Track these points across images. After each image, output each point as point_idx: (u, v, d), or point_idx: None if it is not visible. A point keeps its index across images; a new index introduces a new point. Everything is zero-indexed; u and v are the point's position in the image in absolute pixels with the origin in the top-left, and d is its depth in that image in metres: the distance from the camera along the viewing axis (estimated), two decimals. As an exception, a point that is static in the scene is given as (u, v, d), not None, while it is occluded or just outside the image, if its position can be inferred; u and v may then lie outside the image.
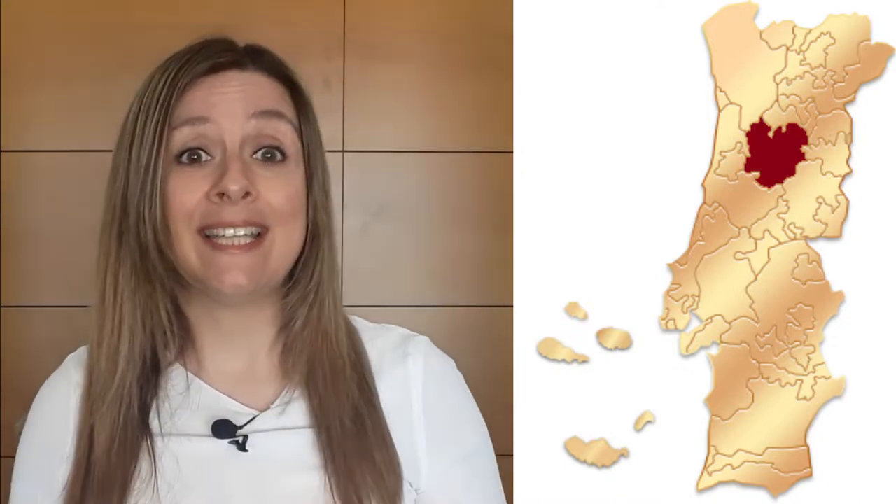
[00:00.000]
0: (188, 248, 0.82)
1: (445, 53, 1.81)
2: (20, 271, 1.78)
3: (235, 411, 0.86)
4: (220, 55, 0.85)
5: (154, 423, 0.84)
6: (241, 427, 0.85)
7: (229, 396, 0.87)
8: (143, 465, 0.83)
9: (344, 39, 1.80)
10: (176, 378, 0.86)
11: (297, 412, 0.87)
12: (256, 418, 0.86)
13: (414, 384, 0.90)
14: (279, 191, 0.83)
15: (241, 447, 0.84)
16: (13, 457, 0.89)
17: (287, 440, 0.86)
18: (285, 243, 0.84)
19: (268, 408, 0.87)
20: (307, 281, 0.87)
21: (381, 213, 1.79)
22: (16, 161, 1.77)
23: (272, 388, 0.88)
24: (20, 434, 0.90)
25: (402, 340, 0.93)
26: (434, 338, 0.96)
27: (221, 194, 0.81)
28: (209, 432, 0.85)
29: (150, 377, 0.85)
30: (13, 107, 1.76)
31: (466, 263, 1.83)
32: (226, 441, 0.84)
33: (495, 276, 1.78)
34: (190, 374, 0.87)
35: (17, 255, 1.77)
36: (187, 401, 0.86)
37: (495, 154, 1.80)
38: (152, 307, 0.85)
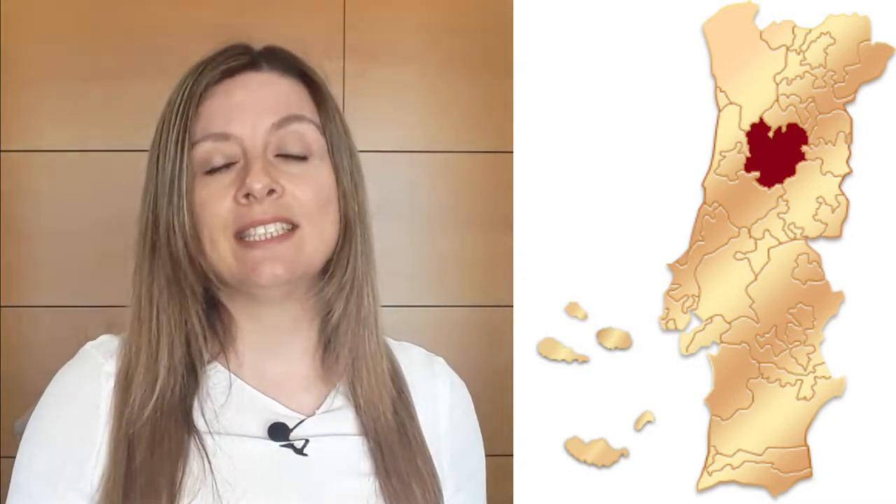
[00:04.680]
0: (225, 253, 0.82)
1: (445, 53, 1.81)
2: (20, 271, 1.78)
3: (283, 414, 0.86)
4: (233, 59, 0.86)
5: (199, 422, 0.83)
6: (292, 430, 0.85)
7: (273, 399, 0.87)
8: (194, 464, 0.81)
9: (344, 39, 1.80)
10: (216, 377, 0.86)
11: (343, 419, 0.88)
12: (304, 423, 0.86)
13: (442, 405, 0.93)
14: (305, 186, 0.83)
15: (299, 451, 0.84)
16: (13, 457, 0.89)
17: (339, 446, 0.86)
18: (318, 238, 0.84)
19: (313, 413, 0.87)
20: (342, 272, 0.87)
21: (381, 213, 1.79)
22: (16, 161, 1.77)
23: (312, 394, 0.89)
24: (20, 434, 0.89)
25: (428, 360, 0.96)
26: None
27: (248, 195, 0.81)
28: (263, 434, 0.84)
29: (189, 375, 0.85)
30: (13, 107, 1.76)
31: (466, 263, 1.83)
32: (278, 444, 0.84)
33: (495, 276, 1.78)
34: (232, 374, 0.86)
35: (17, 255, 1.77)
36: (231, 400, 0.85)
37: (495, 154, 1.80)
38: (186, 317, 0.85)
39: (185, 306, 0.85)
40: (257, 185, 0.81)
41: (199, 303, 0.85)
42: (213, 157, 0.83)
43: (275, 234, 0.82)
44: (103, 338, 0.90)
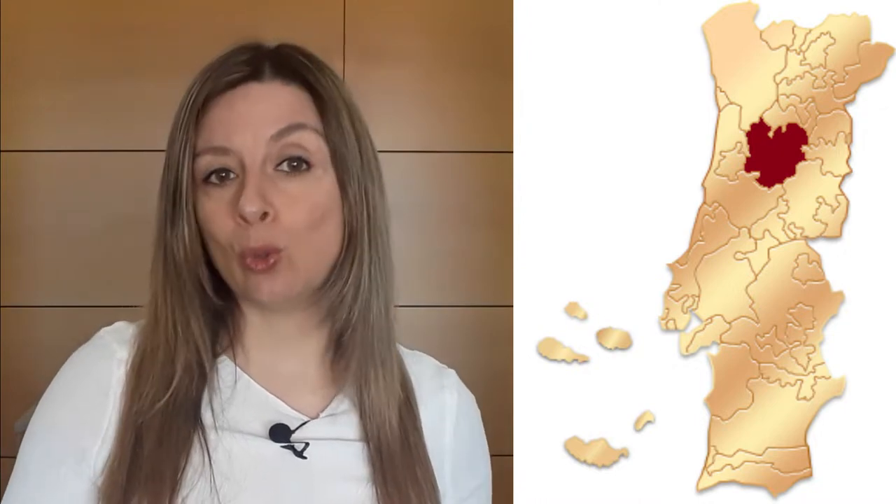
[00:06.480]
0: (233, 268, 0.83)
1: (445, 54, 1.82)
2: (20, 271, 1.78)
3: (286, 415, 0.87)
4: (237, 69, 0.85)
5: (206, 416, 0.84)
6: (293, 431, 0.85)
7: (278, 398, 0.87)
8: (195, 457, 0.82)
9: (344, 39, 1.80)
10: (224, 371, 0.87)
11: (347, 424, 0.88)
12: (306, 425, 0.86)
13: (448, 416, 0.94)
14: (299, 206, 0.83)
15: (299, 454, 0.85)
16: (13, 457, 0.89)
17: (339, 450, 0.87)
18: (309, 254, 0.84)
19: (317, 416, 0.87)
20: (343, 282, 0.86)
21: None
22: (16, 161, 1.78)
23: (321, 395, 0.89)
24: (20, 434, 0.90)
25: (438, 371, 0.97)
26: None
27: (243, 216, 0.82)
28: (265, 433, 0.85)
29: (200, 370, 0.85)
30: (13, 107, 1.76)
31: (466, 263, 1.83)
32: (279, 445, 0.85)
33: (495, 276, 1.78)
34: (238, 369, 0.87)
35: (17, 255, 1.77)
36: (236, 395, 0.86)
37: (495, 154, 1.80)
38: (201, 317, 0.86)
39: (196, 308, 0.85)
40: (249, 208, 0.81)
41: (211, 305, 0.86)
42: (213, 170, 0.84)
43: (265, 257, 0.82)
44: (119, 324, 0.90)
